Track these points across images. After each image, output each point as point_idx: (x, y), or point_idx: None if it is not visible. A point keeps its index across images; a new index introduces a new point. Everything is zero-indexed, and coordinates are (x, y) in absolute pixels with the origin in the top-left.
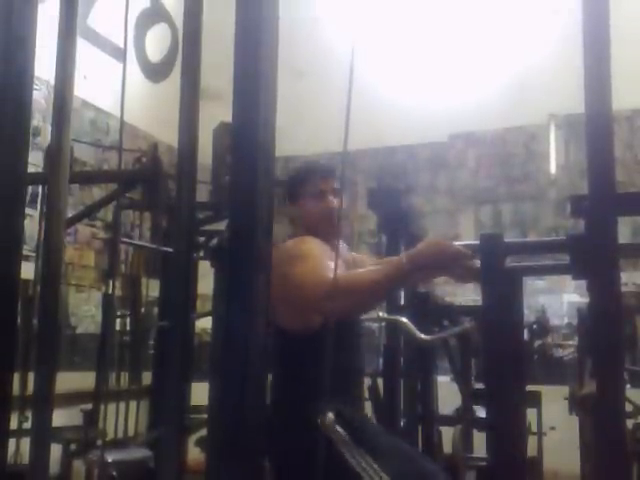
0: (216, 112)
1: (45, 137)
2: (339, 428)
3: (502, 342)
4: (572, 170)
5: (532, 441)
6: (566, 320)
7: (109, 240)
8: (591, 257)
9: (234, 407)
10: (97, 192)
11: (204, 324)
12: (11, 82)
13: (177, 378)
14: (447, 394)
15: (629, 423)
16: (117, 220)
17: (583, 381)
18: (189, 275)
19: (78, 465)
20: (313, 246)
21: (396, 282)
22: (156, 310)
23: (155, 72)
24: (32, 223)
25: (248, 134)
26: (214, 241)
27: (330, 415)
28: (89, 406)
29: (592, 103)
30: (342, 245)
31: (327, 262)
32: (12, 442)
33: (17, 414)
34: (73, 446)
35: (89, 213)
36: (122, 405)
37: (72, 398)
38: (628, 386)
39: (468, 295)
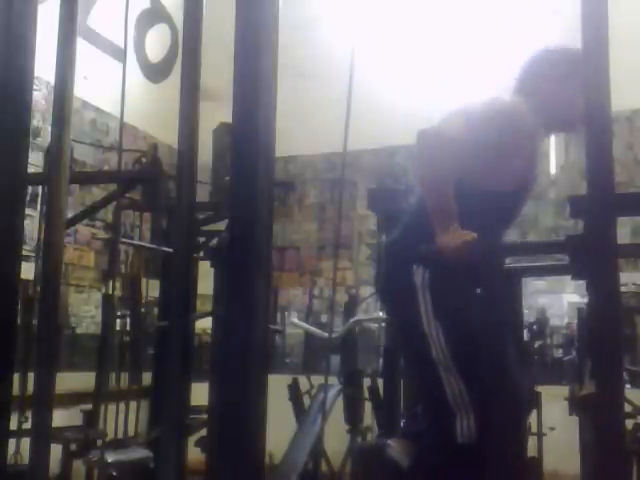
0: (216, 112)
1: (45, 137)
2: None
3: (502, 342)
4: (572, 170)
5: (532, 441)
6: (566, 320)
7: (109, 240)
8: (590, 257)
9: (234, 407)
10: (97, 192)
11: (204, 324)
12: (11, 82)
13: (177, 378)
14: None
15: (629, 423)
16: (117, 220)
17: (583, 381)
18: (189, 275)
19: (78, 465)
20: (503, 120)
21: (435, 220)
22: (156, 310)
23: (155, 72)
24: (32, 223)
25: (248, 135)
26: (214, 241)
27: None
28: (89, 406)
29: (591, 103)
30: None
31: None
32: (12, 442)
33: (17, 414)
34: (73, 446)
35: (89, 213)
36: (122, 405)
37: (72, 398)
38: (628, 386)
39: None
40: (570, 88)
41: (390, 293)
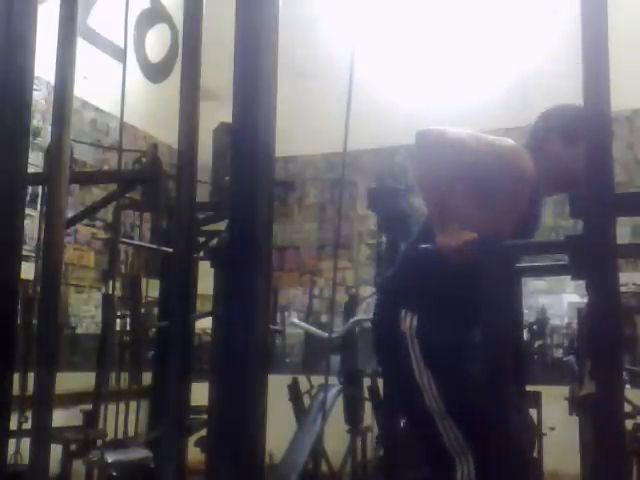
0: (216, 112)
1: (45, 137)
2: None
3: (502, 342)
4: None
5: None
6: (566, 320)
7: (109, 240)
8: (590, 257)
9: (234, 407)
10: (97, 192)
11: (204, 324)
12: (11, 82)
13: (177, 378)
14: None
15: (629, 423)
16: (117, 220)
17: (583, 381)
18: (189, 275)
19: (78, 465)
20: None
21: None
22: (156, 310)
23: (155, 72)
24: (32, 223)
25: (248, 135)
26: (214, 241)
27: None
28: (89, 406)
29: (592, 103)
30: None
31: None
32: (12, 442)
33: (17, 414)
34: (73, 446)
35: (89, 213)
36: (122, 405)
37: (72, 398)
38: (628, 386)
39: None
40: (578, 153)
41: (380, 340)
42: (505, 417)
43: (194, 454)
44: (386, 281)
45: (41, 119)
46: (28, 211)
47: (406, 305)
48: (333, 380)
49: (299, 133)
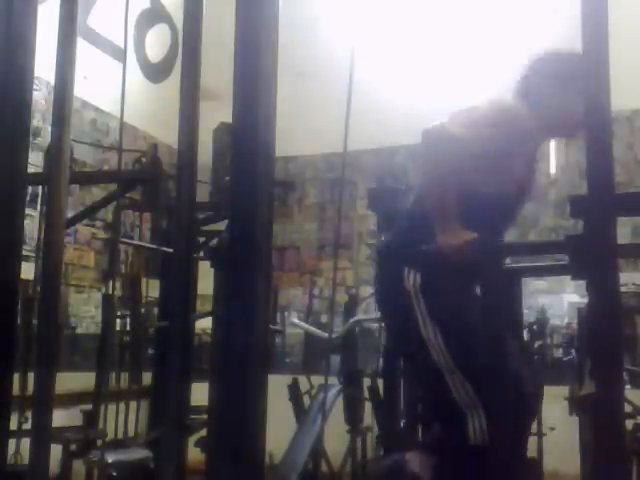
0: (216, 112)
1: (45, 137)
2: None
3: (502, 342)
4: (572, 170)
5: (532, 441)
6: (566, 320)
7: (109, 240)
8: (590, 257)
9: (234, 407)
10: (97, 192)
11: (204, 324)
12: (11, 82)
13: (177, 378)
14: None
15: (629, 423)
16: (117, 220)
17: (583, 381)
18: (189, 275)
19: (78, 465)
20: (503, 117)
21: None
22: (156, 310)
23: (155, 72)
24: (32, 223)
25: (248, 135)
26: (214, 241)
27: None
28: (89, 406)
29: (591, 103)
30: None
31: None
32: (12, 442)
33: (17, 414)
34: (73, 446)
35: (89, 213)
36: (122, 405)
37: (72, 398)
38: (628, 386)
39: None
40: (570, 93)
41: (384, 300)
42: (511, 368)
43: (194, 454)
44: (386, 243)
45: (41, 119)
46: (28, 211)
47: (409, 264)
48: (333, 380)
49: (299, 133)
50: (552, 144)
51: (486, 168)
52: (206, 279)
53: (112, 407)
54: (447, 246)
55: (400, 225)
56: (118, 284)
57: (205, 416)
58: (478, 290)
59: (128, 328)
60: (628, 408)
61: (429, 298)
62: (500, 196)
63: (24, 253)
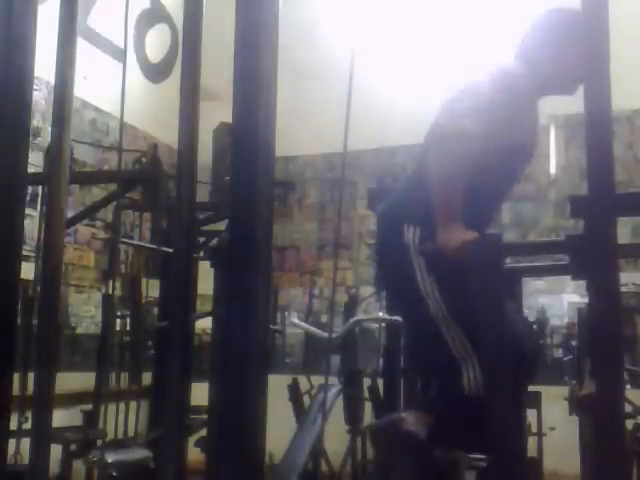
0: (216, 112)
1: (45, 137)
2: None
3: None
4: (572, 170)
5: (532, 441)
6: (566, 320)
7: (109, 240)
8: (590, 257)
9: (234, 407)
10: (97, 192)
11: (204, 324)
12: (11, 82)
13: (177, 378)
14: None
15: (629, 423)
16: (117, 220)
17: (583, 381)
18: (189, 275)
19: (78, 465)
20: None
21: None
22: (156, 310)
23: (155, 72)
24: (32, 223)
25: (248, 135)
26: (214, 241)
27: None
28: (89, 406)
29: (592, 103)
30: None
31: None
32: (12, 442)
33: (17, 414)
34: (73, 446)
35: (89, 213)
36: (122, 405)
37: (72, 398)
38: (628, 386)
39: None
40: (568, 47)
41: (384, 253)
42: (507, 322)
43: (194, 454)
44: (387, 201)
45: (41, 119)
46: (28, 211)
47: (408, 219)
48: (333, 380)
49: (299, 133)
50: (552, 145)
51: (488, 135)
52: (206, 279)
53: (112, 407)
54: (446, 245)
55: (402, 184)
56: (118, 284)
57: (205, 416)
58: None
59: (128, 328)
60: (628, 408)
61: (427, 251)
62: (506, 161)
63: (24, 253)
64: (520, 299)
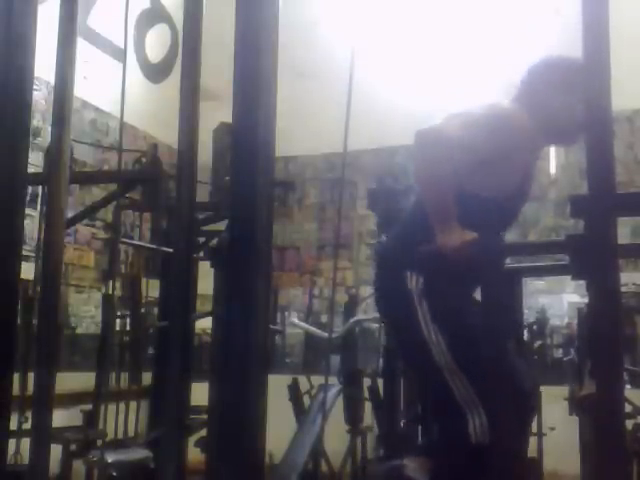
0: (216, 112)
1: (45, 137)
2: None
3: (502, 342)
4: (572, 170)
5: (532, 441)
6: (566, 320)
7: (109, 240)
8: (590, 257)
9: (234, 407)
10: (97, 192)
11: (204, 324)
12: (11, 82)
13: (177, 378)
14: None
15: (629, 423)
16: (117, 220)
17: (583, 381)
18: (189, 275)
19: (78, 465)
20: (502, 122)
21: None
22: (156, 310)
23: (155, 72)
24: (32, 223)
25: (248, 135)
26: (214, 241)
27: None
28: (89, 406)
29: (592, 103)
30: None
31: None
32: (12, 442)
33: (17, 414)
34: (73, 446)
35: (89, 213)
36: (122, 405)
37: (72, 398)
38: (628, 386)
39: None
40: (570, 98)
41: (386, 301)
42: (511, 367)
43: (194, 454)
44: (388, 244)
45: (41, 119)
46: (28, 211)
47: (410, 265)
48: (333, 380)
49: (299, 133)
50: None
51: (479, 170)
52: (206, 279)
53: (112, 407)
54: (446, 246)
55: (401, 226)
56: (118, 284)
57: (205, 416)
58: (478, 291)
59: (128, 328)
60: (628, 408)
61: (431, 300)
62: (493, 199)
63: (24, 253)
64: (520, 299)
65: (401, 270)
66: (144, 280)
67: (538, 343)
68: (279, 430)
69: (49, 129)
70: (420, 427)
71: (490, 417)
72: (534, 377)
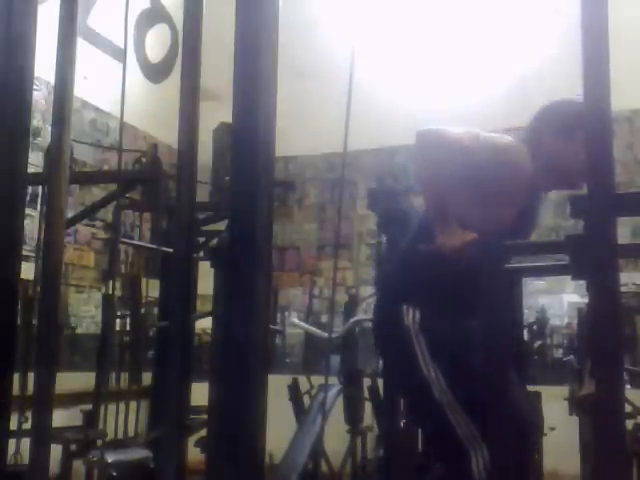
0: (216, 112)
1: (45, 137)
2: None
3: (502, 343)
4: None
5: None
6: (566, 320)
7: (109, 240)
8: (590, 257)
9: (234, 407)
10: (97, 192)
11: (204, 324)
12: (11, 82)
13: (177, 378)
14: None
15: (629, 423)
16: (117, 220)
17: (583, 381)
18: (189, 275)
19: (78, 465)
20: (508, 158)
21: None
22: (156, 310)
23: (155, 72)
24: (32, 223)
25: (248, 135)
26: (214, 241)
27: None
28: (89, 406)
29: (591, 103)
30: None
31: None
32: (12, 442)
33: (17, 414)
34: (73, 446)
35: (89, 213)
36: (122, 405)
37: (72, 398)
38: (628, 386)
39: None
40: (573, 143)
41: (383, 336)
42: (513, 402)
43: (194, 454)
44: (385, 278)
45: (41, 119)
46: (28, 211)
47: (408, 300)
48: (333, 380)
49: (299, 133)
50: None
51: (474, 187)
52: (206, 279)
53: (112, 407)
54: (446, 246)
55: (399, 259)
56: (118, 284)
57: (205, 416)
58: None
59: (128, 328)
60: (628, 408)
61: (429, 335)
62: (495, 217)
63: (24, 253)
64: (520, 299)
65: (398, 304)
66: (144, 280)
67: (538, 343)
68: (279, 430)
69: (49, 129)
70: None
71: (493, 453)
72: (536, 409)
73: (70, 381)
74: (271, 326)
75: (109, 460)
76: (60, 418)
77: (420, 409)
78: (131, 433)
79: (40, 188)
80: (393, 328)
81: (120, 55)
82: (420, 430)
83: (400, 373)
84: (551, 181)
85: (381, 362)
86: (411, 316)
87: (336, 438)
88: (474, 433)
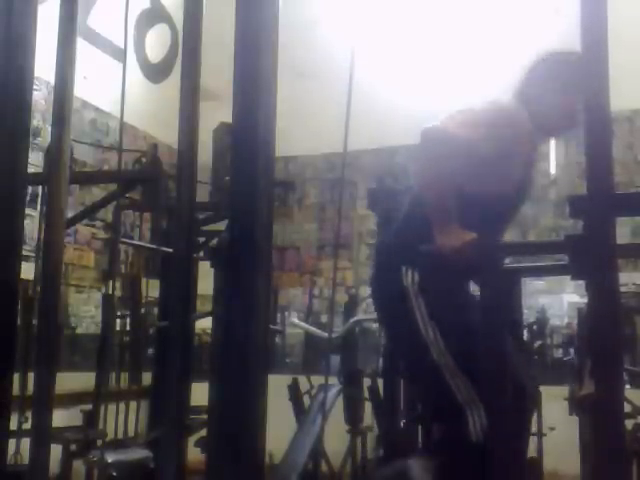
0: (216, 112)
1: (45, 137)
2: None
3: (501, 339)
4: (572, 170)
5: (532, 441)
6: (566, 320)
7: (109, 240)
8: (589, 257)
9: (234, 407)
10: (97, 192)
11: (204, 324)
12: (11, 82)
13: (177, 378)
14: None
15: (629, 423)
16: (117, 220)
17: (583, 381)
18: (189, 275)
19: (78, 465)
20: (502, 120)
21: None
22: (156, 310)
23: (155, 72)
24: (32, 223)
25: (248, 135)
26: (214, 241)
27: None
28: (89, 406)
29: (591, 103)
30: None
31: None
32: (12, 442)
33: (17, 414)
34: (73, 446)
35: (89, 213)
36: (122, 405)
37: (72, 398)
38: (628, 386)
39: None
40: (568, 93)
41: (382, 298)
42: (510, 364)
43: (194, 454)
44: (384, 242)
45: (41, 119)
46: (28, 211)
47: (406, 261)
48: (333, 380)
49: (299, 133)
50: (552, 144)
51: (483, 168)
52: (206, 279)
53: (112, 407)
54: (445, 246)
55: (398, 224)
56: (118, 284)
57: (205, 416)
58: (475, 288)
59: (128, 328)
60: (628, 408)
61: (428, 296)
62: (497, 196)
63: (24, 253)
64: (520, 299)
65: (397, 266)
66: (144, 280)
67: (538, 343)
68: (279, 430)
69: (49, 129)
70: (420, 426)
71: (490, 415)
72: (533, 375)
73: (70, 381)
74: (271, 326)
75: (109, 460)
76: (60, 418)
77: (418, 370)
78: (131, 433)
79: (40, 188)
80: (392, 289)
81: (120, 55)
82: (417, 392)
83: (399, 334)
84: (549, 129)
85: (382, 327)
86: (410, 277)
87: (336, 438)
88: (471, 394)
